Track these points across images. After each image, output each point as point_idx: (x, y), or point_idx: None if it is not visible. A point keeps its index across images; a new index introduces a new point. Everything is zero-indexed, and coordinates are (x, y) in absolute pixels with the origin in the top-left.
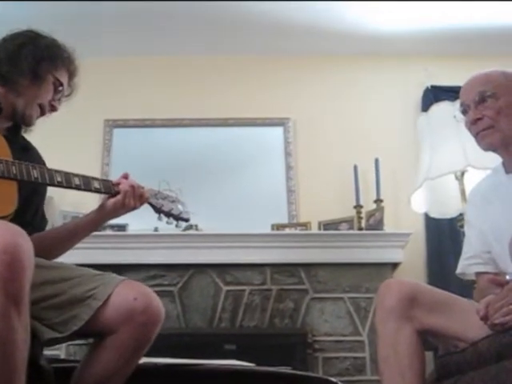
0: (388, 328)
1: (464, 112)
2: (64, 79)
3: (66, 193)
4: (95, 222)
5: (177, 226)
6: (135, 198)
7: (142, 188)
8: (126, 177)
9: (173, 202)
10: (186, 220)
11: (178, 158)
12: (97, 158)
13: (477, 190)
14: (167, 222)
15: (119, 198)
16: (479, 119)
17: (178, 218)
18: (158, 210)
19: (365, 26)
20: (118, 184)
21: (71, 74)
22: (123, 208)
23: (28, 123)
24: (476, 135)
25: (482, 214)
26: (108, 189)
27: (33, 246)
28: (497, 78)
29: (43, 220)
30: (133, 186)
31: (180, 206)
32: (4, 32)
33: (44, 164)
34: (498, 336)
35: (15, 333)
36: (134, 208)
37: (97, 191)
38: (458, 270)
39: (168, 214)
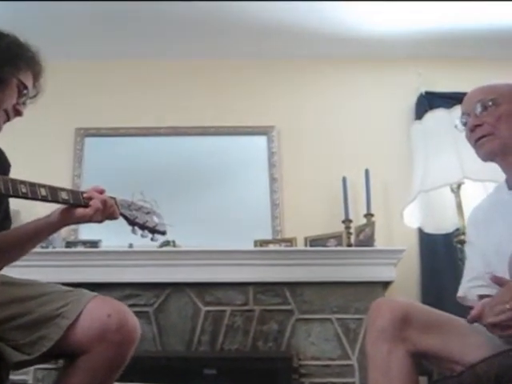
0: (379, 351)
1: (465, 123)
2: (28, 81)
3: (33, 207)
4: (55, 226)
5: (152, 239)
6: (104, 215)
7: (114, 198)
8: (100, 191)
9: (147, 213)
10: (163, 233)
11: (154, 169)
12: (67, 169)
13: (478, 209)
14: (142, 235)
15: (89, 212)
16: (478, 126)
17: (153, 230)
18: (131, 222)
19: (355, 29)
20: (89, 197)
21: (36, 76)
22: (89, 221)
23: None
24: (475, 143)
25: (484, 234)
26: (77, 200)
27: None
28: (499, 87)
29: (6, 220)
30: (105, 203)
31: (155, 218)
32: None
33: (9, 166)
34: (496, 358)
35: None
36: (101, 222)
37: (65, 202)
38: (460, 294)
39: (143, 227)
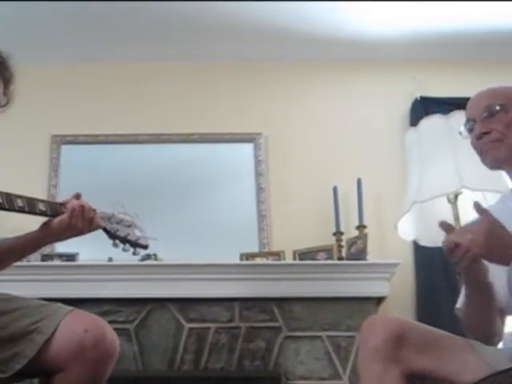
0: (372, 371)
1: (470, 130)
2: None
3: (8, 218)
4: (36, 242)
5: (134, 253)
6: (84, 219)
7: (94, 211)
8: (77, 197)
9: (129, 226)
10: (145, 247)
11: (135, 178)
12: (43, 178)
13: None
14: (123, 249)
15: (65, 216)
16: (486, 133)
17: (135, 244)
18: (112, 236)
19: (346, 31)
20: (66, 204)
21: (7, 82)
22: (69, 229)
23: None
24: (481, 150)
25: None
26: (55, 211)
27: None
28: (505, 92)
29: None
30: (82, 206)
31: (137, 231)
32: None
33: None
34: (496, 377)
35: None
36: (82, 232)
37: (42, 214)
38: (458, 305)
39: (124, 240)
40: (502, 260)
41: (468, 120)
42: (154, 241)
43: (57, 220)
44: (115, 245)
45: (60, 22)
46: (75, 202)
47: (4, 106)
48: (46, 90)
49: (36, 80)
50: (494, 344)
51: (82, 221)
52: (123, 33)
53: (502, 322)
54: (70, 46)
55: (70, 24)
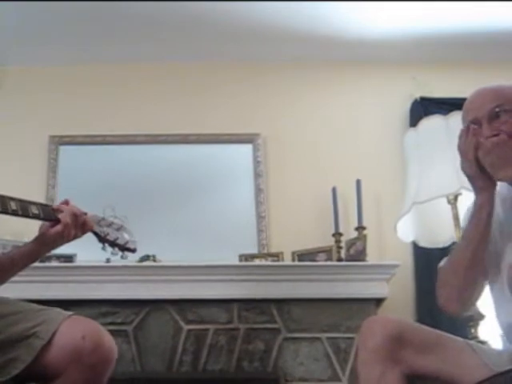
0: (372, 372)
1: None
2: None
3: (4, 219)
4: (33, 254)
5: (122, 257)
6: (77, 227)
7: (85, 214)
8: (66, 203)
9: (118, 229)
10: (133, 250)
11: (133, 179)
12: (41, 179)
13: None
14: (112, 253)
15: (59, 229)
16: (495, 136)
17: (123, 248)
18: (102, 239)
19: (345, 31)
20: (58, 210)
21: None
22: (63, 239)
23: None
24: (488, 150)
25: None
26: (47, 215)
27: None
28: (509, 92)
29: None
30: (75, 215)
31: (126, 235)
32: None
33: None
34: (497, 379)
35: None
36: (76, 238)
37: (35, 217)
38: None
39: (113, 244)
40: None
41: (472, 121)
42: (154, 242)
43: (51, 232)
44: (104, 248)
45: (57, 23)
46: (67, 212)
47: None
48: (44, 91)
49: (34, 81)
50: (464, 312)
51: (75, 229)
52: (120, 33)
53: (479, 292)
54: (68, 47)
55: (67, 24)
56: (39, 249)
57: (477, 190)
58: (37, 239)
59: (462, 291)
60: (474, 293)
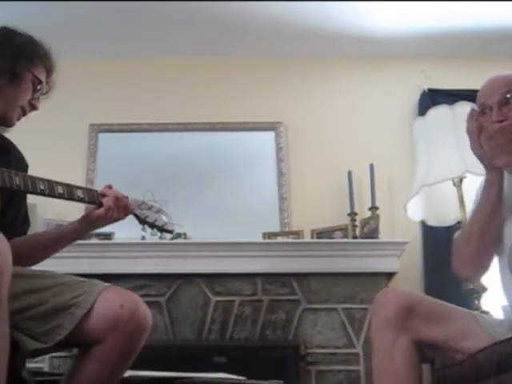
0: (384, 339)
1: (482, 114)
2: (42, 77)
3: (49, 200)
4: (77, 233)
5: (161, 237)
6: (119, 209)
7: (126, 198)
8: (109, 187)
9: (157, 212)
10: (171, 231)
11: (165, 163)
12: (82, 163)
13: None
14: (151, 234)
15: (101, 211)
16: (501, 122)
17: (161, 229)
18: (142, 221)
19: (359, 27)
20: (102, 194)
21: (49, 71)
22: (106, 220)
23: (8, 124)
24: (492, 135)
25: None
26: (92, 198)
27: (11, 249)
28: None
29: (25, 223)
30: (117, 198)
31: (164, 217)
32: None
33: (26, 166)
34: (497, 346)
35: None
36: (118, 220)
37: (80, 200)
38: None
39: (152, 225)
40: None
41: (481, 105)
42: (185, 221)
43: (95, 214)
44: (144, 229)
45: (99, 21)
46: (110, 196)
47: (45, 93)
48: (86, 82)
49: (76, 74)
50: (475, 278)
51: (117, 211)
52: (157, 29)
53: (489, 261)
54: (109, 43)
55: (108, 22)
56: (84, 228)
57: (486, 167)
58: (82, 219)
59: (474, 259)
60: (484, 261)
